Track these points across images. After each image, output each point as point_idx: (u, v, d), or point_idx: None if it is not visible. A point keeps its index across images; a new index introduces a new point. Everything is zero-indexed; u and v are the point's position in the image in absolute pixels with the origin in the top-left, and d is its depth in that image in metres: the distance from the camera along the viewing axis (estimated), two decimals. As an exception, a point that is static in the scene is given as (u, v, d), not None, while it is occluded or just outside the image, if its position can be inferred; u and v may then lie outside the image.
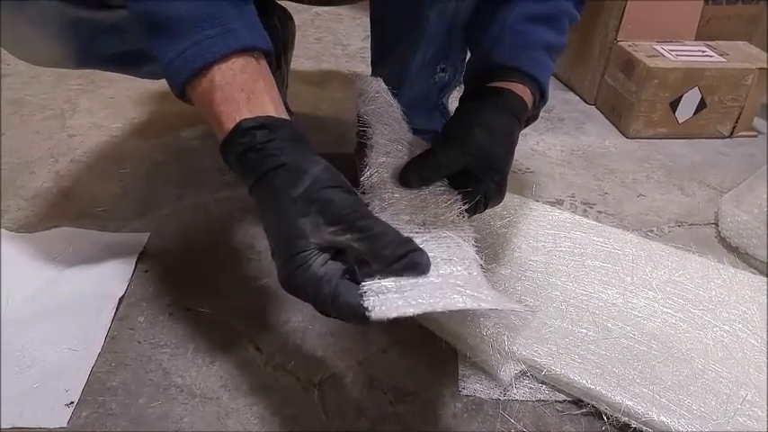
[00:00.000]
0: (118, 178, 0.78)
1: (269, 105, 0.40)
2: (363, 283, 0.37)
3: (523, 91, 0.52)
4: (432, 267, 0.38)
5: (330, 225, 0.37)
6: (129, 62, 0.62)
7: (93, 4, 0.54)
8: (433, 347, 0.56)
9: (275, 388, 0.52)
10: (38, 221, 0.69)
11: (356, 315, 0.36)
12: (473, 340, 0.54)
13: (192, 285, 0.62)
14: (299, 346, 0.56)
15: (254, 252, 0.67)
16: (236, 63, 0.40)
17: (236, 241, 0.68)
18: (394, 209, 0.46)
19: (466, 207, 0.48)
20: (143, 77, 0.75)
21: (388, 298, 0.36)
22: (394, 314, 0.35)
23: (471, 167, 0.49)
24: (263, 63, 0.42)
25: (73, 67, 0.61)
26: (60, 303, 0.58)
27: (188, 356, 0.54)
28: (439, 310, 0.35)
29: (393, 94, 0.55)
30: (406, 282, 0.37)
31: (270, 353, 0.55)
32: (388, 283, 0.36)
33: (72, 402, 0.48)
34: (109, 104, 0.94)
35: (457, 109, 0.54)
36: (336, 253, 0.38)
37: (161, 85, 0.90)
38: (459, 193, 0.48)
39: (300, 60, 1.14)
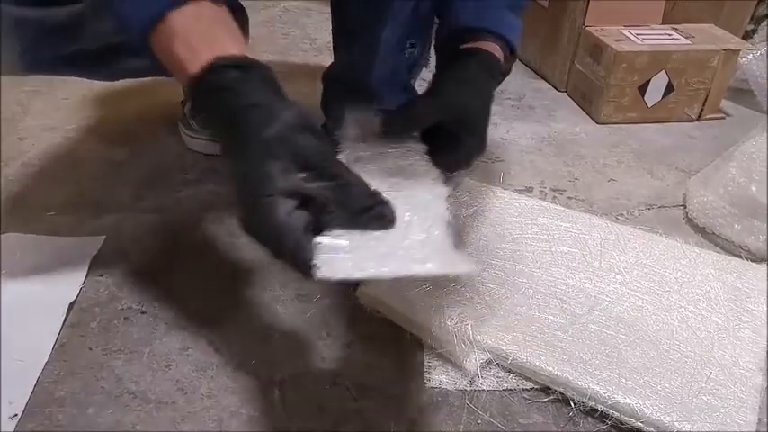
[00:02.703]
0: (72, 181, 0.75)
1: (234, 49, 0.38)
2: (318, 238, 0.36)
3: (493, 48, 0.53)
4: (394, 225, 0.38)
5: (300, 170, 0.36)
6: (81, 64, 0.59)
7: (41, 1, 0.51)
8: (399, 340, 0.55)
9: (234, 389, 0.50)
10: (-15, 229, 0.66)
11: (305, 270, 0.35)
12: (438, 331, 0.52)
13: (149, 288, 0.59)
14: (259, 346, 0.54)
15: (213, 252, 0.65)
16: (194, 9, 0.38)
17: (195, 241, 0.66)
18: (366, 171, 0.44)
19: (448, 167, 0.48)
20: (99, 79, 0.72)
21: (338, 258, 0.35)
22: (339, 276, 0.34)
23: (449, 122, 0.48)
24: (224, 9, 0.40)
25: (22, 74, 0.59)
26: (4, 313, 0.55)
27: (143, 361, 0.52)
28: (385, 276, 0.35)
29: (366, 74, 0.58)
30: (362, 241, 0.36)
31: (229, 354, 0.53)
32: (343, 241, 0.36)
33: (15, 415, 0.46)
34: (63, 106, 0.91)
35: (434, 74, 0.55)
36: (302, 202, 0.36)
37: (119, 84, 0.87)
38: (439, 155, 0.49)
39: (267, 56, 1.12)
